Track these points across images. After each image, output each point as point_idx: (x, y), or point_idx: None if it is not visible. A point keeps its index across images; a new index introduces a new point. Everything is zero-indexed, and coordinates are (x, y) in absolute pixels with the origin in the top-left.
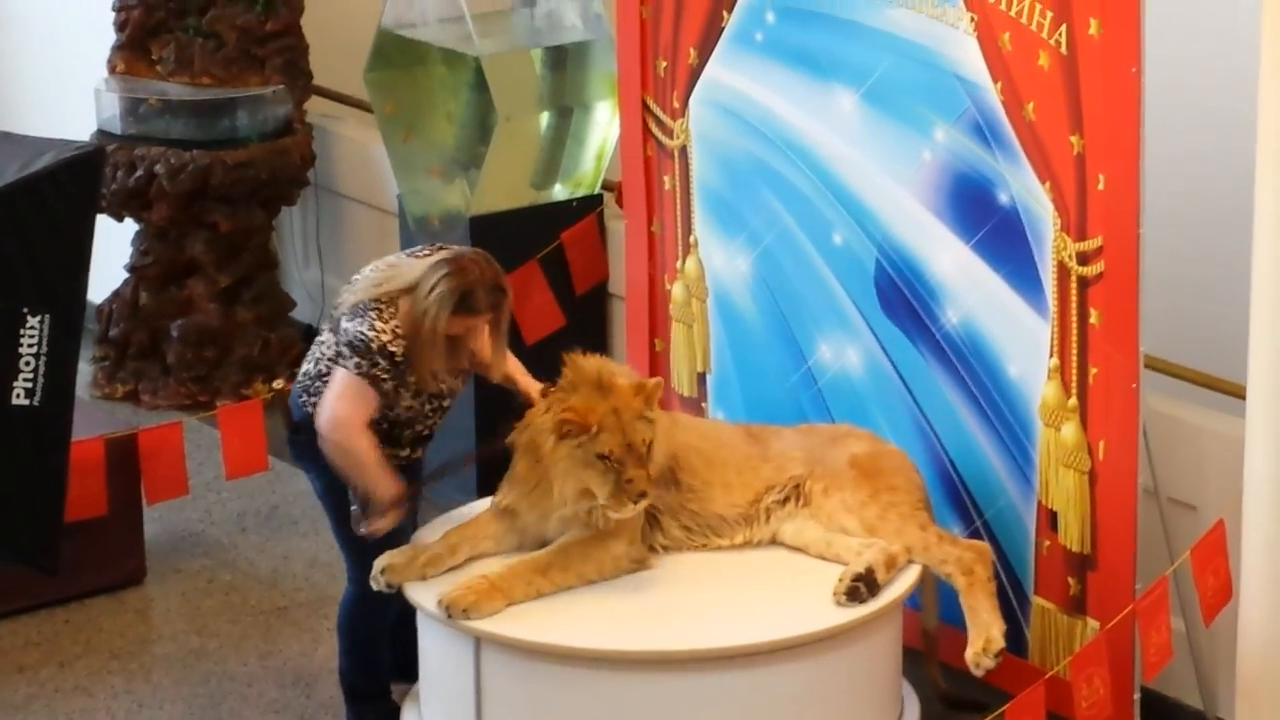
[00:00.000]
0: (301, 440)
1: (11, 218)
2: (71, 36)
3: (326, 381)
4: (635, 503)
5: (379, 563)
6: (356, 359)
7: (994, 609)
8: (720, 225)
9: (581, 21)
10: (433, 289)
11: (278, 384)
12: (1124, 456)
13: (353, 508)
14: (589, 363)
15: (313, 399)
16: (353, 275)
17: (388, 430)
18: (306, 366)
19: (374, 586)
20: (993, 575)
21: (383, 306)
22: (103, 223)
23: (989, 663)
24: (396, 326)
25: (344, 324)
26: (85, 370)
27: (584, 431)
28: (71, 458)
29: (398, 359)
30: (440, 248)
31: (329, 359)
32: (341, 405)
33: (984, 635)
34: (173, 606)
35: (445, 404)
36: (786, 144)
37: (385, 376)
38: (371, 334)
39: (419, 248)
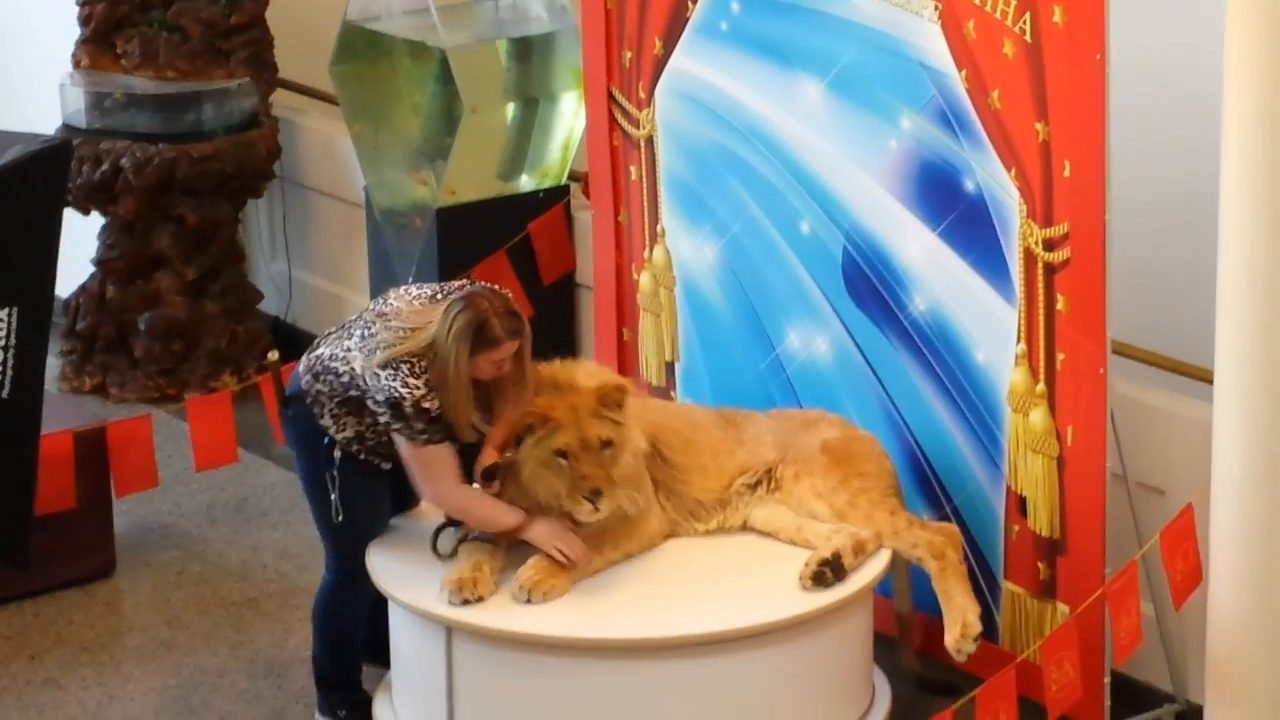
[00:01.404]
0: (289, 415)
1: None
2: (36, 31)
3: (341, 379)
4: (590, 501)
5: (459, 584)
6: (397, 426)
7: (967, 592)
8: (687, 215)
9: (546, 12)
10: (450, 330)
11: (273, 356)
12: (1092, 441)
13: (440, 528)
14: (548, 367)
15: (318, 383)
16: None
17: (387, 445)
18: (323, 351)
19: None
20: (963, 558)
21: (414, 360)
22: (69, 216)
23: (970, 647)
24: (429, 379)
25: (379, 371)
26: (53, 364)
27: (543, 424)
28: (40, 451)
29: (434, 414)
30: (458, 287)
31: (352, 370)
32: (427, 480)
33: (960, 620)
34: (143, 599)
35: None
36: (753, 133)
37: (427, 434)
38: (405, 390)
39: (434, 289)
